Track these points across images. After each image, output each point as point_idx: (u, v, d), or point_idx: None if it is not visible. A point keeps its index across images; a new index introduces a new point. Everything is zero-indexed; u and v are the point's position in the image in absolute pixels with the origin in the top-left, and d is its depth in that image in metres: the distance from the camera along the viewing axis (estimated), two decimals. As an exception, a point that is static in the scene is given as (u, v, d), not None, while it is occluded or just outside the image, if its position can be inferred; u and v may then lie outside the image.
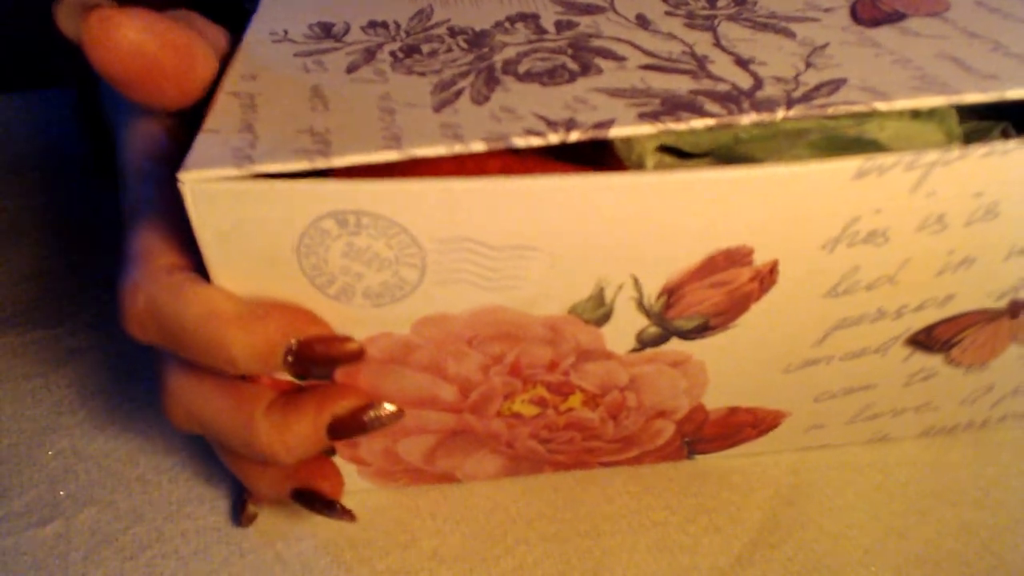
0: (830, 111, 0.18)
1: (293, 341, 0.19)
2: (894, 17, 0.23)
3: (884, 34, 0.22)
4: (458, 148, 0.18)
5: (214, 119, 0.19)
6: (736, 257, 0.19)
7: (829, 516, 0.25)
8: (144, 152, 0.22)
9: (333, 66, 0.22)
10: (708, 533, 0.25)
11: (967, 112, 0.23)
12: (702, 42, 0.22)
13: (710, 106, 0.19)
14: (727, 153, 0.20)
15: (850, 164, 0.18)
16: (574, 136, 0.18)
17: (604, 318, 0.20)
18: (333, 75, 0.21)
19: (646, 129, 0.18)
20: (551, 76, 0.21)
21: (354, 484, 0.25)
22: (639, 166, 0.21)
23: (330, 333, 0.20)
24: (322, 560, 0.24)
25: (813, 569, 0.24)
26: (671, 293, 0.20)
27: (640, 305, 0.20)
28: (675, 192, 0.18)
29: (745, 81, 0.20)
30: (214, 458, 0.26)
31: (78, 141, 0.44)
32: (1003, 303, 0.22)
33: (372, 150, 0.18)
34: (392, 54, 0.22)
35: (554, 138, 0.18)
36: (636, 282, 0.20)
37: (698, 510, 0.26)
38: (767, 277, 0.20)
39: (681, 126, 0.18)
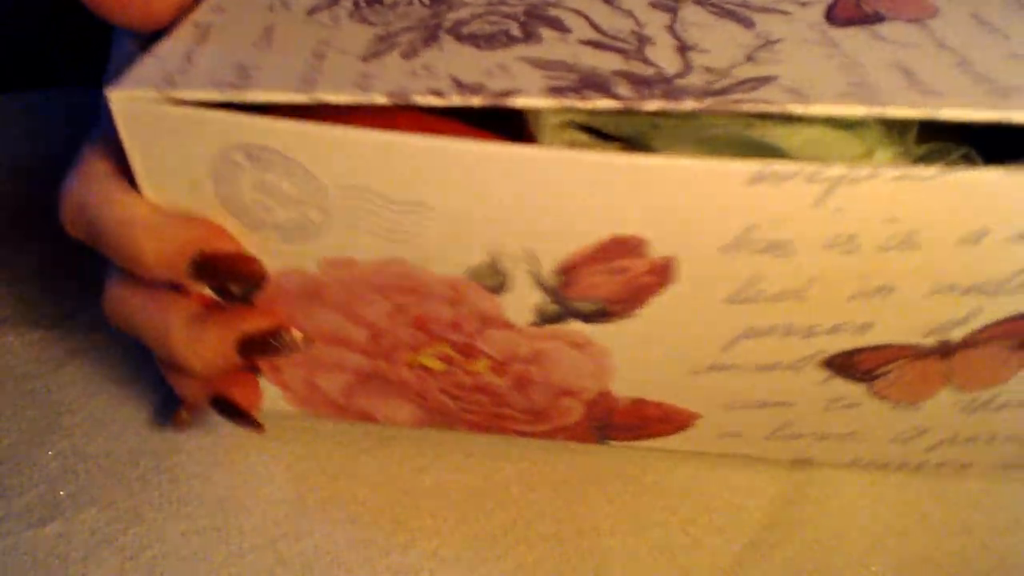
0: (746, 108, 0.18)
1: (198, 251, 0.20)
2: (871, 19, 0.21)
3: (849, 35, 0.20)
4: (361, 98, 0.18)
5: (165, 44, 0.21)
6: (629, 246, 0.19)
7: (829, 516, 0.25)
8: (117, 72, 0.24)
9: (297, 8, 0.22)
10: (708, 533, 0.25)
11: (946, 131, 0.21)
12: (656, 23, 0.21)
13: (622, 88, 0.18)
14: (638, 139, 0.20)
15: (743, 167, 0.17)
16: (475, 101, 0.18)
17: (500, 287, 0.21)
18: (292, 16, 0.22)
19: (548, 103, 0.18)
20: (489, 41, 0.21)
21: (278, 407, 0.26)
22: (544, 141, 0.21)
23: (236, 250, 0.21)
24: (322, 560, 0.24)
25: (813, 569, 0.24)
26: (567, 272, 0.20)
27: (537, 280, 0.20)
28: (564, 171, 0.18)
29: (673, 67, 0.19)
30: (213, 458, 0.27)
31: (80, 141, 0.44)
32: (931, 341, 0.21)
33: (283, 90, 0.19)
34: (355, 2, 0.23)
35: (456, 100, 0.18)
36: (531, 256, 0.20)
37: (698, 510, 0.25)
38: (664, 272, 0.20)
39: (585, 104, 0.18)
